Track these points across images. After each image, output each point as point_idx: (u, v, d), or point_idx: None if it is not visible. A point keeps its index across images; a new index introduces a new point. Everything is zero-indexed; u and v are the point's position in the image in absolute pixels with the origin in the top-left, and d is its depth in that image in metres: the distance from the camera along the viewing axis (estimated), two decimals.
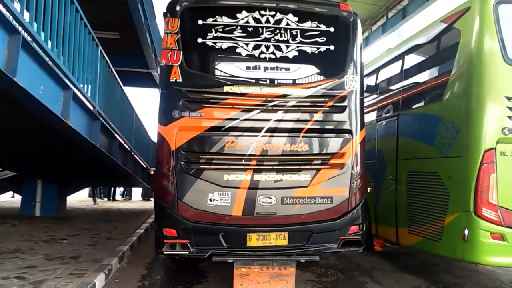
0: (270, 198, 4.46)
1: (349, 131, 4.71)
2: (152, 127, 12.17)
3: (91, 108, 5.50)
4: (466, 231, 4.39)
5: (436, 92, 5.66)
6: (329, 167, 4.64)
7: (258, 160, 4.49)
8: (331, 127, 4.71)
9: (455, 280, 5.50)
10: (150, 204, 15.47)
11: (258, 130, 4.50)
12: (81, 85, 5.19)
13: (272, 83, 4.60)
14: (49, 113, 4.36)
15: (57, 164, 8.28)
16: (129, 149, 8.82)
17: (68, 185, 11.14)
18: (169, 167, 4.40)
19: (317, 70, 4.76)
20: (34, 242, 6.64)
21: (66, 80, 4.59)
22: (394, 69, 7.09)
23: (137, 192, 18.84)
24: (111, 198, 17.50)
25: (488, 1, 4.68)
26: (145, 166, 11.68)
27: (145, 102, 36.46)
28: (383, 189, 6.70)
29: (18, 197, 13.48)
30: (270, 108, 4.55)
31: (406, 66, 6.63)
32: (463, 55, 4.96)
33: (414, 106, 6.19)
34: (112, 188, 17.70)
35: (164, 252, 4.29)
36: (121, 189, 19.03)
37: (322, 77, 4.77)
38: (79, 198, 16.53)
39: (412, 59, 6.56)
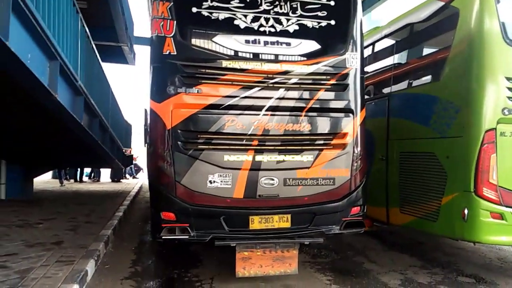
0: (272, 179, 4.38)
1: (351, 111, 4.69)
2: (124, 105, 11.69)
3: (75, 82, 5.12)
4: (466, 211, 4.52)
5: (432, 72, 5.72)
6: (331, 148, 4.62)
7: (260, 140, 4.38)
8: (333, 106, 4.66)
9: (446, 258, 5.72)
10: (121, 186, 15.10)
11: (259, 108, 4.38)
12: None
13: (272, 58, 4.44)
14: (37, 85, 4.00)
15: (25, 144, 7.76)
16: (107, 128, 8.41)
17: (34, 166, 10.57)
18: (165, 147, 4.21)
19: (318, 46, 4.64)
20: (6, 227, 6.27)
21: (53, 49, 4.19)
22: (384, 48, 7.11)
23: (105, 173, 18.28)
24: (78, 180, 16.87)
25: None
26: (120, 146, 11.25)
27: (114, 78, 34.98)
28: (372, 170, 6.80)
29: None
30: (271, 85, 4.42)
31: (398, 46, 6.65)
32: (461, 35, 5.00)
33: (407, 86, 6.24)
34: (79, 169, 17.05)
35: (163, 237, 4.13)
36: (88, 170, 18.37)
37: (323, 54, 4.66)
38: (43, 180, 15.83)
39: (405, 38, 6.57)
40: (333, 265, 5.30)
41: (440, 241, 6.68)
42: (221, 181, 4.26)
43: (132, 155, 16.90)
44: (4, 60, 3.47)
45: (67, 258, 4.49)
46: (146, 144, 12.76)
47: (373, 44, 7.26)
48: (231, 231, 4.30)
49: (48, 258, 4.47)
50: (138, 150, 18.81)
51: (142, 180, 18.43)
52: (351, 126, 4.68)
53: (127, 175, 19.97)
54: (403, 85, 6.32)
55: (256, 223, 4.35)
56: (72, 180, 16.78)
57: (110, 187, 14.86)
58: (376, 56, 7.27)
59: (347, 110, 4.68)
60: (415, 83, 6.12)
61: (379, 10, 14.24)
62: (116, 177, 17.79)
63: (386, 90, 6.67)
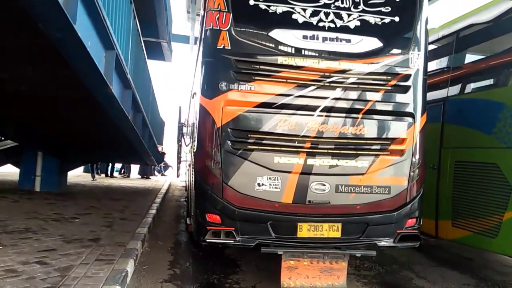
0: (324, 185, 4.10)
1: (412, 115, 4.36)
2: (162, 102, 11.63)
3: (126, 75, 4.98)
4: None
5: (498, 76, 5.29)
6: (388, 154, 4.30)
7: (313, 143, 4.11)
8: (393, 109, 4.34)
9: (500, 277, 5.28)
10: (150, 183, 15.15)
11: (314, 108, 4.12)
12: None
13: (331, 56, 4.16)
14: (93, 74, 3.85)
15: (64, 136, 7.77)
16: (147, 124, 8.33)
17: (69, 159, 10.66)
18: (214, 146, 4.01)
19: (380, 44, 4.32)
20: (43, 220, 6.25)
21: (111, 39, 4.04)
22: (440, 50, 6.69)
23: (133, 169, 18.43)
24: (109, 175, 17.07)
25: None
26: (156, 143, 11.20)
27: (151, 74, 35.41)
28: None
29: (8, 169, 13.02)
30: (328, 84, 4.15)
31: (457, 47, 6.22)
32: None
33: (466, 90, 5.82)
34: (110, 164, 17.25)
35: (207, 240, 3.93)
36: (118, 165, 18.58)
37: (385, 52, 4.35)
38: (75, 173, 16.07)
39: (467, 39, 6.14)
40: (381, 279, 4.96)
41: (490, 258, 6.21)
42: (270, 184, 4.01)
43: (164, 153, 16.96)
44: (68, 45, 3.32)
45: (106, 257, 4.35)
46: (178, 142, 12.69)
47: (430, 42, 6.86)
48: (277, 238, 4.05)
49: (87, 255, 4.35)
50: (167, 147, 18.91)
51: (170, 177, 18.46)
52: (410, 131, 4.35)
53: (156, 172, 20.08)
54: (462, 89, 5.90)
55: (305, 230, 4.08)
56: (103, 175, 17.00)
57: (140, 183, 14.92)
58: (431, 58, 6.85)
59: (407, 114, 4.35)
60: (477, 87, 5.69)
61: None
62: (145, 173, 17.90)
63: (441, 94, 6.24)
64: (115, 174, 17.83)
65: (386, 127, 4.31)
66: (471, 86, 5.94)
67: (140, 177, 17.84)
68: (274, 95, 4.05)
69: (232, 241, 3.95)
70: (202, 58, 4.25)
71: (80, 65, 3.68)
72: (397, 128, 4.33)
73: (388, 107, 4.32)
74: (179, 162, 14.21)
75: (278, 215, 4.04)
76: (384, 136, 4.30)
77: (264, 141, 4.04)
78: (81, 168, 17.53)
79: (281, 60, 4.05)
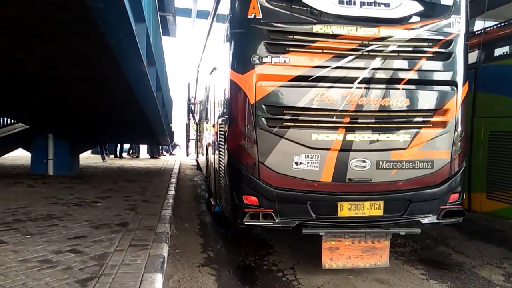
0: (364, 161, 3.94)
1: (454, 83, 4.16)
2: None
3: (152, 50, 4.72)
4: None
5: None
6: (431, 126, 4.12)
7: (352, 117, 3.93)
8: (435, 78, 4.13)
9: None
10: (161, 163, 15.08)
11: (352, 80, 3.92)
12: None
13: (369, 22, 3.90)
14: (131, 48, 3.60)
15: (78, 118, 7.59)
16: (165, 103, 8.12)
17: (80, 141, 10.54)
18: (248, 124, 3.83)
19: (421, 8, 4.06)
20: (65, 205, 6.17)
21: (142, 10, 3.75)
22: (472, 8, 6.33)
23: (142, 149, 18.35)
24: (118, 156, 17.01)
25: None
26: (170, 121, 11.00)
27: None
28: None
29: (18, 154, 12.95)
30: (367, 53, 3.92)
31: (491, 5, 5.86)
32: None
33: (503, 56, 5.54)
34: (119, 145, 17.16)
35: (246, 223, 3.81)
36: (126, 146, 18.47)
37: (426, 17, 4.09)
38: (84, 156, 15.99)
39: None
40: (419, 256, 4.87)
41: None
42: (308, 163, 3.86)
43: (174, 131, 16.82)
44: (110, 16, 3.07)
45: (139, 242, 4.27)
46: (187, 121, 12.44)
47: None
48: (318, 218, 3.93)
49: (119, 241, 4.27)
50: (175, 125, 18.74)
51: (179, 156, 18.39)
52: (453, 101, 4.15)
53: (164, 152, 20.00)
54: (497, 54, 5.61)
55: (346, 210, 3.95)
56: (112, 156, 16.94)
57: (150, 163, 14.85)
58: None
59: (450, 83, 4.14)
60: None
61: None
62: (154, 153, 17.81)
63: (471, 60, 5.94)
64: (124, 154, 17.75)
65: (428, 98, 4.11)
66: (505, 51, 5.64)
67: (149, 157, 17.77)
68: (309, 68, 3.84)
69: (271, 223, 3.84)
70: (231, 30, 4.01)
71: (118, 39, 3.40)
72: (439, 99, 4.13)
73: (430, 76, 4.11)
74: (188, 140, 14.11)
75: (318, 194, 3.91)
76: (426, 108, 4.11)
77: (300, 117, 3.86)
78: (89, 150, 17.46)
79: (316, 28, 3.81)
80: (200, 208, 7.33)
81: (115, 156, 16.93)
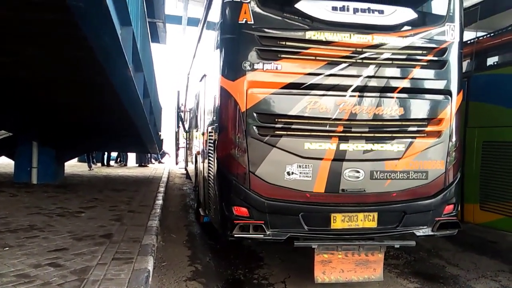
0: (358, 171, 3.85)
1: (449, 92, 4.11)
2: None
3: (138, 55, 4.58)
4: None
5: None
6: (425, 136, 4.06)
7: (345, 126, 3.84)
8: (429, 86, 4.08)
9: None
10: (149, 171, 14.83)
11: (346, 88, 3.84)
12: None
13: (363, 29, 3.84)
14: (114, 52, 3.45)
15: (64, 124, 7.38)
16: (153, 110, 7.96)
17: (66, 149, 10.28)
18: (239, 133, 3.71)
19: (415, 15, 4.00)
20: (47, 216, 5.95)
21: (128, 13, 3.59)
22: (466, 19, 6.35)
23: (130, 157, 18.05)
24: (106, 164, 16.70)
25: None
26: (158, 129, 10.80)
27: None
28: None
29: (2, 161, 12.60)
30: (360, 61, 3.85)
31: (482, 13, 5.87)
32: None
33: (495, 65, 5.53)
34: (106, 153, 16.86)
35: (235, 235, 3.67)
36: (114, 154, 18.16)
37: (420, 24, 4.05)
38: (70, 163, 15.66)
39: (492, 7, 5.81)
40: (412, 268, 4.77)
41: None
42: (301, 173, 3.74)
43: (163, 139, 16.59)
44: (93, 19, 2.94)
45: (123, 255, 4.09)
46: (176, 129, 12.26)
47: None
48: (310, 230, 3.81)
49: (102, 254, 4.08)
50: (164, 133, 18.51)
51: (168, 165, 18.15)
52: (448, 110, 4.10)
53: (153, 160, 19.72)
54: (489, 63, 5.60)
55: (339, 221, 3.84)
56: (99, 164, 16.63)
57: (138, 172, 14.60)
58: None
59: (444, 92, 4.10)
60: (506, 61, 5.39)
61: None
62: (143, 161, 17.54)
63: (463, 69, 5.93)
64: (111, 163, 17.45)
65: (423, 107, 4.05)
66: (497, 60, 5.64)
67: (137, 165, 17.49)
68: (302, 75, 3.76)
69: (262, 235, 3.70)
70: (221, 35, 3.90)
71: (101, 42, 3.25)
72: (434, 108, 4.07)
73: (424, 84, 4.06)
74: (177, 149, 13.92)
75: (310, 206, 3.80)
76: (420, 117, 4.04)
77: (293, 126, 3.76)
78: (76, 158, 17.12)
79: (309, 35, 3.74)
80: (188, 218, 7.15)
81: (102, 164, 16.62)
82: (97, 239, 4.70)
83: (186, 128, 10.43)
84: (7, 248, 4.18)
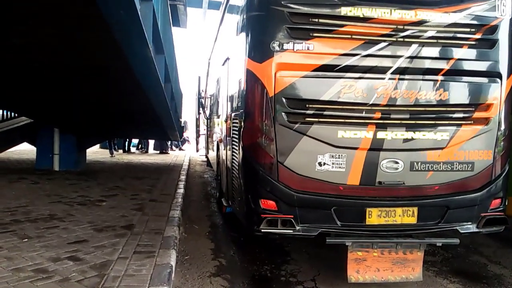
0: (397, 162, 3.53)
1: (498, 75, 3.72)
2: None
3: (160, 36, 4.32)
4: None
5: None
6: (472, 123, 3.69)
7: (383, 112, 3.52)
8: (477, 68, 3.69)
9: None
10: (170, 158, 14.78)
11: (385, 70, 3.51)
12: None
13: (405, 4, 3.47)
14: (134, 29, 3.22)
15: (84, 111, 7.27)
16: (174, 96, 7.74)
17: (87, 136, 10.26)
18: (266, 120, 3.45)
19: None
20: (67, 204, 5.87)
21: None
22: None
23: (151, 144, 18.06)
24: (126, 150, 16.76)
25: None
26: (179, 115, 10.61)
27: None
28: None
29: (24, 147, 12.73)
30: (401, 39, 3.50)
31: None
32: None
33: None
34: (127, 140, 16.91)
35: (263, 230, 3.44)
36: (135, 140, 18.21)
37: None
38: (92, 150, 15.76)
39: None
40: (452, 266, 4.45)
41: None
42: (333, 164, 3.46)
43: (183, 126, 16.49)
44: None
45: (145, 248, 3.92)
46: (197, 115, 12.06)
47: None
48: (343, 225, 3.53)
49: (123, 247, 3.92)
50: (185, 120, 18.39)
51: (189, 152, 18.09)
52: (497, 95, 3.71)
53: (173, 147, 19.71)
54: None
55: (375, 217, 3.55)
56: (120, 151, 16.71)
57: (159, 159, 14.56)
58: None
59: (494, 74, 3.70)
60: None
61: None
62: (163, 148, 17.51)
63: None
64: (133, 149, 17.50)
65: (469, 91, 3.68)
66: None
67: (158, 152, 17.49)
68: (336, 56, 3.44)
69: (291, 231, 3.46)
70: (248, 13, 3.61)
71: (117, 17, 3.00)
72: (482, 92, 3.70)
73: (472, 66, 3.67)
74: (198, 136, 13.77)
75: (344, 199, 3.52)
76: (467, 102, 3.68)
77: (325, 112, 3.47)
78: (97, 145, 17.25)
79: (345, 11, 3.40)
80: (210, 208, 6.98)
81: (124, 151, 16.68)
82: (118, 230, 4.56)
83: (207, 115, 10.24)
84: (26, 240, 4.08)
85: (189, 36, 43.16)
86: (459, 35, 3.59)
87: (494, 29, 3.65)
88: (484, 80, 3.69)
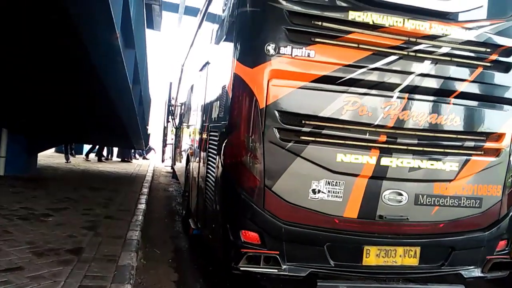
0: (401, 194, 3.11)
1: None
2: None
3: (131, 27, 3.72)
4: None
5: None
6: (482, 154, 3.34)
7: (390, 135, 3.10)
8: (491, 93, 3.36)
9: None
10: (132, 167, 13.92)
11: (393, 87, 3.10)
12: None
13: (420, 14, 3.09)
14: (99, 11, 2.64)
15: (37, 111, 6.46)
16: (142, 100, 7.07)
17: (40, 138, 9.32)
18: (254, 135, 2.93)
19: (481, 2, 3.27)
20: (6, 218, 5.04)
21: None
22: None
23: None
24: (85, 156, 15.60)
25: None
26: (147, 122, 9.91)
27: None
28: None
29: None
30: (414, 54, 3.11)
31: None
32: None
33: None
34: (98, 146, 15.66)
35: (241, 268, 2.88)
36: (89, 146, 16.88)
37: (487, 15, 3.31)
38: (46, 154, 14.60)
39: None
40: None
41: None
42: (329, 192, 2.98)
43: (150, 134, 15.61)
44: None
45: (93, 281, 3.24)
46: (166, 124, 11.42)
47: None
48: (337, 266, 3.04)
49: (66, 280, 3.22)
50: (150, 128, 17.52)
51: (153, 161, 17.21)
52: (509, 124, 3.37)
53: (137, 155, 18.71)
54: None
55: (373, 256, 3.09)
56: (78, 156, 15.54)
57: (120, 167, 13.64)
58: None
59: (508, 101, 3.37)
60: None
61: None
62: (125, 156, 16.51)
63: None
64: (92, 155, 16.33)
65: (482, 118, 3.35)
66: None
67: (120, 160, 16.47)
68: (340, 66, 2.99)
69: (276, 270, 2.94)
70: (239, 8, 3.11)
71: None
72: (494, 119, 3.38)
73: (486, 90, 3.35)
74: (164, 145, 13.05)
75: (339, 234, 3.04)
76: (479, 130, 3.34)
77: (324, 131, 3.00)
78: (53, 148, 16.00)
79: (352, 15, 2.98)
80: (175, 228, 6.32)
81: (99, 160, 15.31)
82: (62, 255, 3.83)
83: (177, 124, 9.63)
84: None
85: (162, 41, 42.24)
86: (474, 55, 3.25)
87: (510, 51, 3.34)
88: (497, 106, 3.37)
